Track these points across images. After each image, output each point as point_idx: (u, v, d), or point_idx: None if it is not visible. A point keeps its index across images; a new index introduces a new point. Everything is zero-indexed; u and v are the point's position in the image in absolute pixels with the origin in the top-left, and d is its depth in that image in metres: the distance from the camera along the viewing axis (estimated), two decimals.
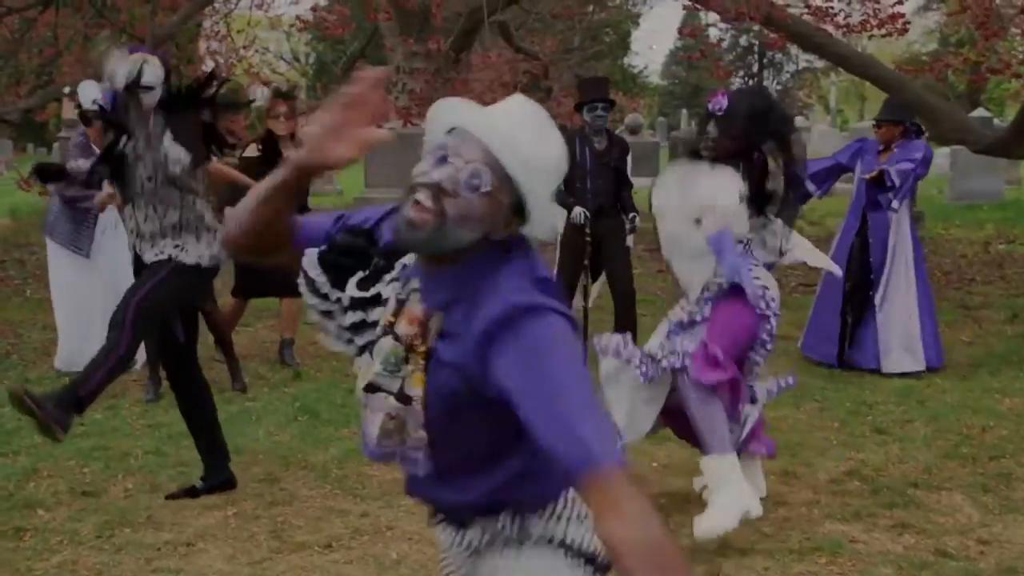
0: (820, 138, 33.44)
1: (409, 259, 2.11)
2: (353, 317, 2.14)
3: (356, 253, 2.15)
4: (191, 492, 5.18)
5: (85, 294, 7.69)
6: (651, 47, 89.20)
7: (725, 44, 59.74)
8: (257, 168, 6.82)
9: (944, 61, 12.80)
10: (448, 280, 2.03)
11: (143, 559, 4.48)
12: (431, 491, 2.21)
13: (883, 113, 7.98)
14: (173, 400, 5.78)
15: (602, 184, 7.50)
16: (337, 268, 2.16)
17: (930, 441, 6.01)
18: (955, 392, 7.02)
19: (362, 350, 2.14)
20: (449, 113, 2.04)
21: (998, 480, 5.37)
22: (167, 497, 5.14)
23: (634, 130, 28.81)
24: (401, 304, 2.09)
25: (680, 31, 54.33)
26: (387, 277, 2.13)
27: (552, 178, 2.04)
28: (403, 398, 2.05)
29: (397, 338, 2.06)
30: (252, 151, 7.53)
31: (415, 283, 2.08)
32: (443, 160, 1.97)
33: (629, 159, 7.83)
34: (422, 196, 1.93)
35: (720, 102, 4.70)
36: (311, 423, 6.37)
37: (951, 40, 48.26)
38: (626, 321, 7.39)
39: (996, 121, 23.99)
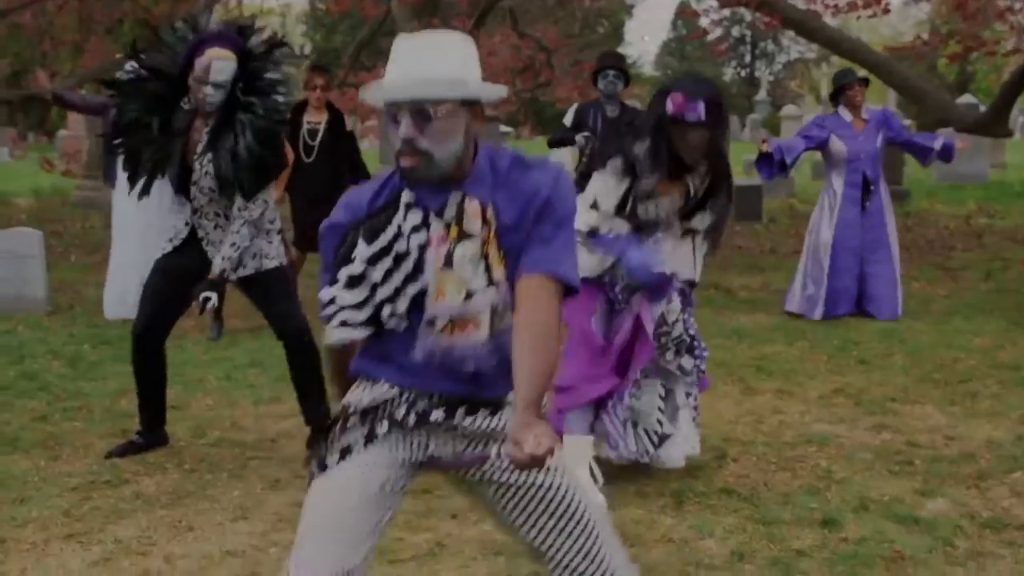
0: None
1: (404, 197, 2.47)
2: (379, 271, 2.47)
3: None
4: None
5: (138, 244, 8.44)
6: (644, 38, 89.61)
7: (718, 33, 60.43)
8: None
9: (938, 38, 13.57)
10: (478, 175, 2.46)
11: (237, 450, 5.29)
12: (484, 363, 2.50)
13: (848, 76, 8.68)
14: (234, 339, 6.54)
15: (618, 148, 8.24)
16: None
17: (908, 369, 6.82)
18: (932, 333, 7.84)
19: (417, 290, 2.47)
20: (373, 95, 2.42)
21: (964, 397, 6.18)
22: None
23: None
24: (452, 218, 2.44)
25: (679, 13, 55.19)
26: (396, 226, 2.47)
27: (471, 66, 2.42)
28: (493, 284, 2.44)
29: (468, 236, 2.43)
30: None
31: (456, 195, 2.44)
32: (396, 123, 2.43)
33: None
34: (403, 151, 2.41)
35: (697, 109, 4.25)
36: None
37: (941, 31, 49.07)
38: None
39: (982, 109, 24.76)
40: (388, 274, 2.47)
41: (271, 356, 7.16)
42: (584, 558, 2.57)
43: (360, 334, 2.52)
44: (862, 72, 9.71)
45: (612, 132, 8.23)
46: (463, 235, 2.44)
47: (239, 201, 4.92)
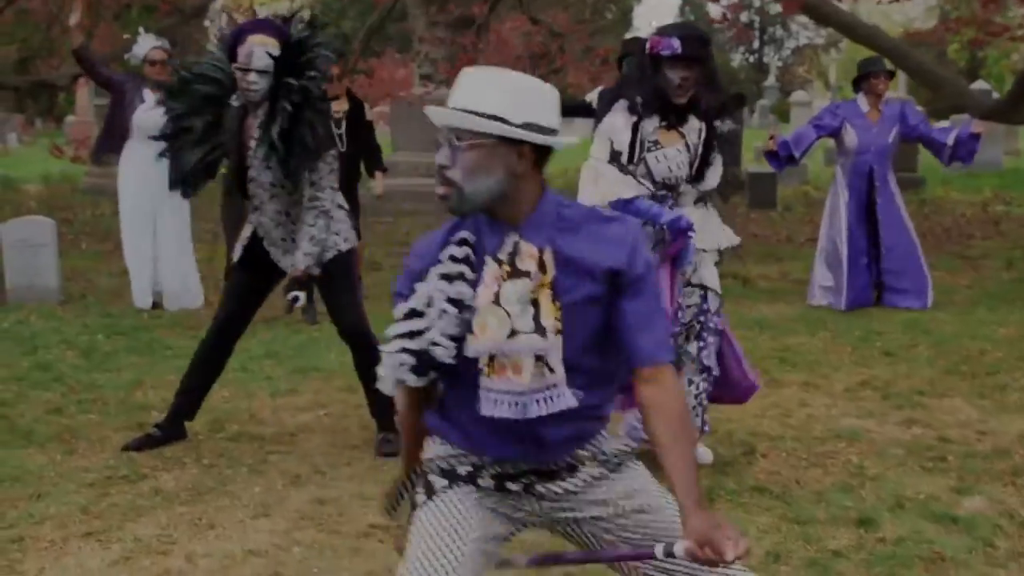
0: None
1: (458, 236, 2.45)
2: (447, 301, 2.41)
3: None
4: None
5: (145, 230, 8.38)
6: (651, 23, 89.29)
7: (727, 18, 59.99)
8: None
9: (947, 27, 13.42)
10: (538, 221, 2.42)
11: (256, 444, 5.20)
12: (548, 432, 2.46)
13: (877, 64, 8.56)
14: (255, 330, 6.48)
15: None
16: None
17: (933, 361, 6.71)
18: (956, 324, 7.73)
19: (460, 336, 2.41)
20: (432, 116, 2.44)
21: (993, 390, 6.07)
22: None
23: None
24: (506, 258, 2.40)
25: None
26: (448, 258, 2.44)
27: (518, 106, 2.37)
28: (540, 330, 2.37)
29: (520, 275, 2.38)
30: None
31: (512, 236, 2.41)
32: (439, 148, 2.45)
33: None
34: (437, 180, 2.45)
35: (671, 43, 4.38)
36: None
37: (952, 17, 48.82)
38: None
39: (995, 95, 24.63)
40: (444, 312, 2.41)
41: (286, 347, 7.10)
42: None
43: (413, 379, 2.45)
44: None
45: None
46: (515, 273, 2.40)
47: (308, 190, 4.87)
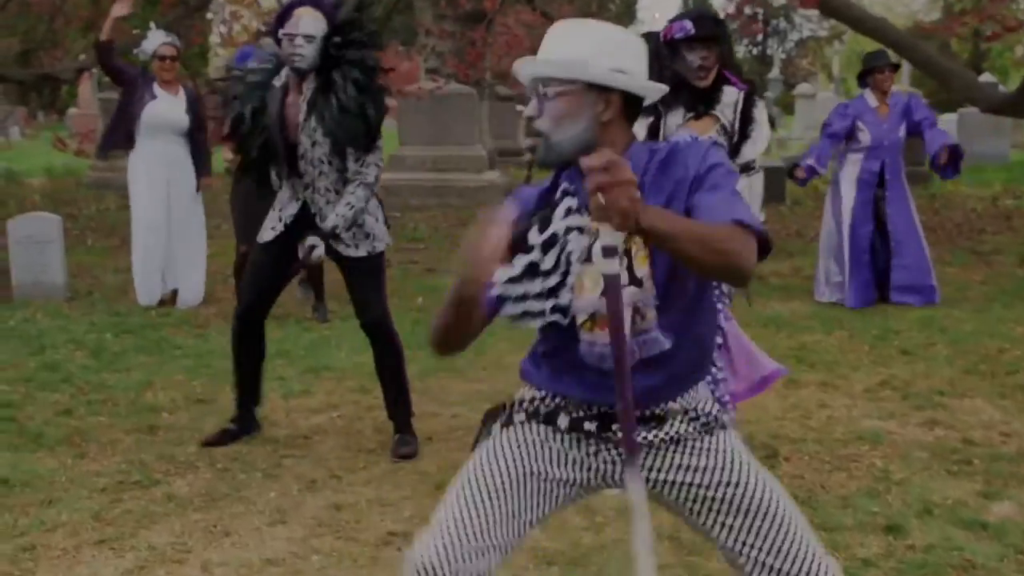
0: (824, 105, 34.00)
1: (562, 197, 2.42)
2: (550, 260, 2.37)
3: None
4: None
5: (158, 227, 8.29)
6: (655, 16, 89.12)
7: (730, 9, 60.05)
8: None
9: (961, 20, 13.32)
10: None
11: (269, 448, 5.11)
12: (637, 379, 2.32)
13: (881, 59, 8.47)
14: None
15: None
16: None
17: (952, 360, 6.63)
18: (972, 322, 7.65)
19: (557, 291, 2.38)
20: (519, 74, 2.49)
21: (1015, 390, 5.99)
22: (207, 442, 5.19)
23: None
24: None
25: None
26: (555, 215, 2.40)
27: (604, 52, 2.36)
28: (636, 281, 2.34)
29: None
30: None
31: None
32: (528, 102, 2.49)
33: None
34: (529, 131, 2.52)
35: (684, 25, 4.38)
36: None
37: (955, 9, 48.69)
38: None
39: (1001, 88, 24.55)
40: (557, 263, 2.37)
41: (297, 346, 7.02)
42: (781, 556, 2.43)
43: (537, 323, 2.40)
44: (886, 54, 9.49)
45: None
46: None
47: (352, 165, 4.85)
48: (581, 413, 2.48)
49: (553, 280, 2.37)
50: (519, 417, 2.52)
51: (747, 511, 2.44)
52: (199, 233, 8.46)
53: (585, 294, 2.36)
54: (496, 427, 2.56)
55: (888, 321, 7.67)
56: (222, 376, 6.22)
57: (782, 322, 7.65)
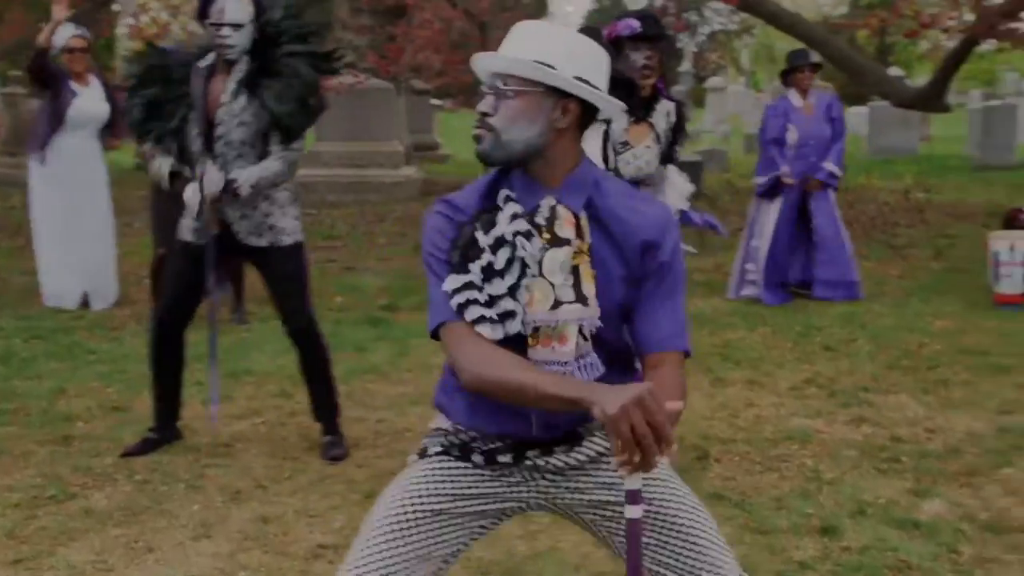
0: (735, 98, 34.38)
1: (505, 203, 2.34)
2: (501, 260, 2.29)
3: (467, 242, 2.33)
4: None
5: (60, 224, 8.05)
6: (568, 9, 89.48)
7: (641, 5, 60.49)
8: None
9: (880, 16, 13.52)
10: (575, 185, 2.34)
11: (191, 457, 4.96)
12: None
13: (802, 59, 8.52)
14: None
15: None
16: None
17: (874, 356, 6.68)
18: (892, 316, 7.72)
19: (510, 297, 2.29)
20: (478, 66, 2.40)
21: (936, 385, 6.04)
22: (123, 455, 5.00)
23: None
24: (544, 222, 2.30)
25: None
26: (499, 218, 2.32)
27: (572, 59, 2.30)
28: (582, 299, 2.29)
29: (560, 243, 2.29)
30: None
31: (549, 200, 2.32)
32: (483, 97, 2.40)
33: None
34: (477, 124, 2.37)
35: (631, 23, 4.32)
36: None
37: (861, 3, 49.49)
38: None
39: (907, 82, 25.01)
40: (509, 264, 2.29)
41: (206, 350, 6.82)
42: (689, 574, 2.37)
43: (498, 334, 2.28)
44: (781, 51, 9.57)
45: None
46: (556, 240, 2.30)
47: (276, 148, 4.74)
48: (495, 445, 2.42)
49: (509, 281, 2.29)
50: (434, 449, 2.47)
51: (662, 529, 2.38)
52: (109, 232, 8.22)
53: (535, 307, 2.29)
54: (413, 458, 2.50)
55: (810, 317, 7.71)
56: (139, 382, 6.04)
57: (704, 319, 7.66)
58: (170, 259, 5.14)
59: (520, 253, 2.29)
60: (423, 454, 2.48)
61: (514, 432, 2.39)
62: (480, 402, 2.35)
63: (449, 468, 2.43)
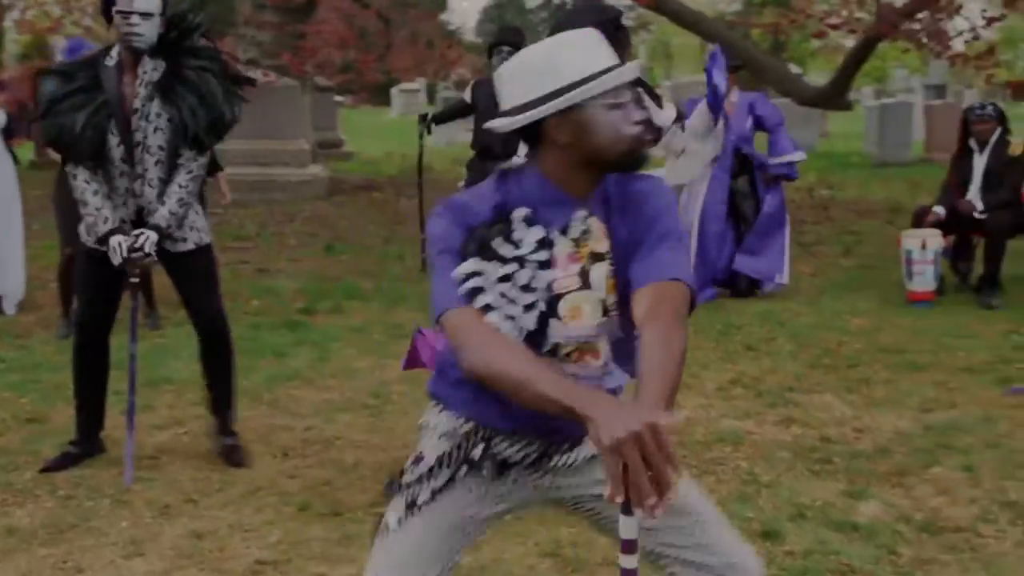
0: None
1: (519, 213, 2.24)
2: (525, 275, 2.21)
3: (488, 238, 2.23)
4: None
5: None
6: (464, 3, 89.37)
7: (538, 1, 60.91)
8: None
9: (790, 17, 13.73)
10: (599, 193, 2.29)
11: (115, 471, 4.79)
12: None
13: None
14: None
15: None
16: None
17: (796, 355, 6.75)
18: (810, 315, 7.82)
19: (543, 309, 2.23)
20: (619, 78, 2.24)
21: (859, 383, 6.12)
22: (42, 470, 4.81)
23: (461, 85, 29.42)
24: (580, 236, 2.25)
25: None
26: (518, 223, 2.23)
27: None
28: (609, 312, 2.28)
29: (600, 258, 2.25)
30: None
31: (582, 213, 2.26)
32: (629, 107, 2.26)
33: None
34: (645, 132, 2.28)
35: None
36: None
37: (755, 1, 50.28)
38: None
39: (803, 78, 25.42)
40: (529, 286, 2.22)
41: (127, 355, 6.63)
42: (703, 550, 2.37)
43: (512, 330, 2.18)
44: (678, 47, 9.64)
45: (495, 109, 7.94)
46: (595, 256, 2.26)
47: (188, 153, 4.57)
48: (504, 446, 2.36)
49: (529, 299, 2.21)
50: (423, 497, 2.36)
51: (668, 511, 2.36)
52: (18, 233, 7.95)
53: (582, 321, 2.24)
54: (411, 478, 2.39)
55: (729, 316, 7.77)
56: (54, 392, 5.87)
57: None
58: (79, 260, 4.96)
59: (536, 283, 2.21)
60: (410, 508, 2.36)
61: (523, 427, 2.33)
62: (484, 393, 2.23)
63: (457, 479, 2.37)
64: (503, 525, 3.97)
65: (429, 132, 8.78)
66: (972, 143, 8.37)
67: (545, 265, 2.22)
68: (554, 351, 2.25)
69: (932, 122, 19.59)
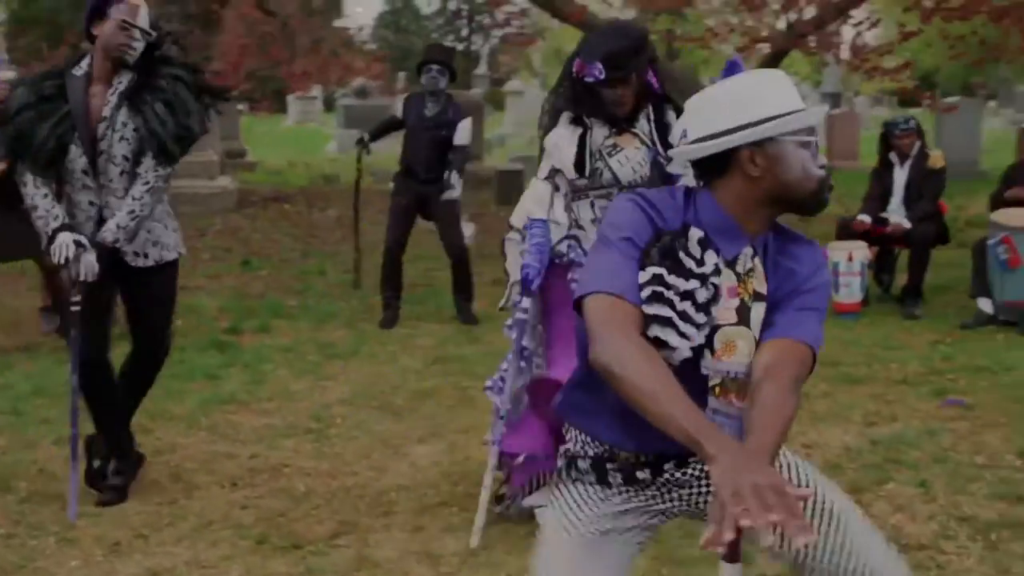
0: (534, 102, 34.63)
1: (695, 233, 2.23)
2: (702, 296, 2.21)
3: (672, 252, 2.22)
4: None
5: None
6: (358, 9, 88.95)
7: (434, 8, 60.87)
8: None
9: (713, 31, 13.89)
10: (766, 239, 2.32)
11: (56, 506, 4.58)
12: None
13: None
14: (5, 361, 5.87)
15: (425, 145, 7.90)
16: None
17: None
18: None
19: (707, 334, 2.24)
20: (801, 122, 2.27)
21: (800, 398, 6.14)
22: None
23: (361, 93, 29.19)
24: (744, 272, 2.28)
25: None
26: (693, 243, 2.22)
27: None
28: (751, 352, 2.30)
29: (761, 298, 2.29)
30: None
31: (748, 251, 2.28)
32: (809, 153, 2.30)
33: (465, 123, 8.00)
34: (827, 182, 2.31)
35: (592, 71, 4.05)
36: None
37: (648, 10, 50.87)
38: (459, 278, 8.02)
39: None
40: (706, 307, 2.22)
41: (56, 381, 6.40)
42: (842, 553, 2.34)
43: (683, 348, 2.18)
44: None
45: (423, 130, 7.88)
46: (758, 296, 2.28)
47: (148, 162, 4.39)
48: (631, 463, 2.38)
49: (702, 319, 2.20)
50: (569, 483, 2.45)
51: (811, 514, 2.35)
52: None
53: (735, 357, 2.25)
54: (546, 499, 2.51)
55: None
56: None
57: None
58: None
59: (712, 307, 2.22)
60: (560, 489, 2.46)
61: (649, 448, 2.33)
62: (626, 420, 2.22)
63: (590, 495, 2.42)
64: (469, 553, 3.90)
65: (368, 153, 8.63)
66: (893, 156, 8.52)
67: (716, 298, 2.23)
68: (701, 381, 2.24)
69: (832, 131, 19.96)
